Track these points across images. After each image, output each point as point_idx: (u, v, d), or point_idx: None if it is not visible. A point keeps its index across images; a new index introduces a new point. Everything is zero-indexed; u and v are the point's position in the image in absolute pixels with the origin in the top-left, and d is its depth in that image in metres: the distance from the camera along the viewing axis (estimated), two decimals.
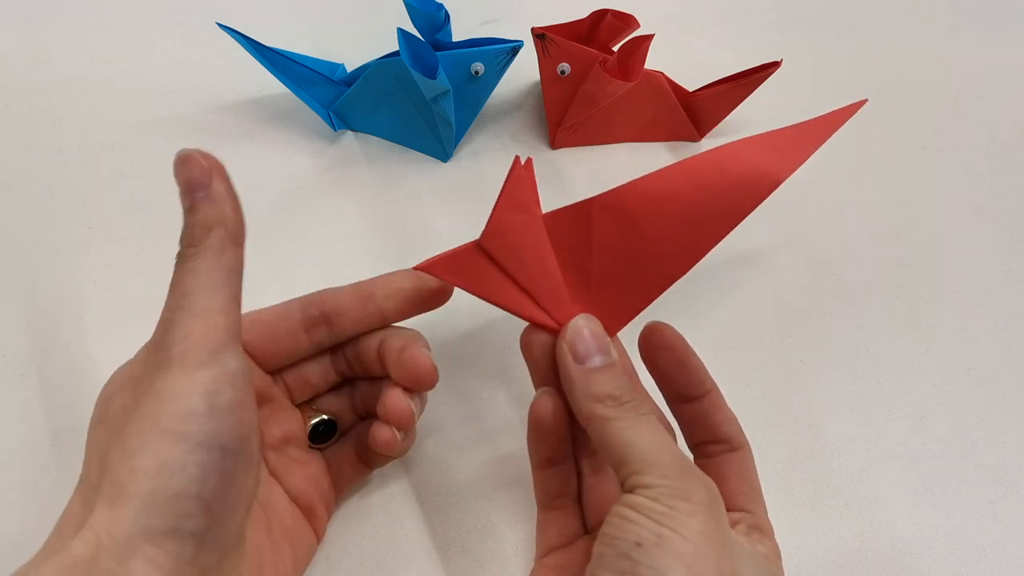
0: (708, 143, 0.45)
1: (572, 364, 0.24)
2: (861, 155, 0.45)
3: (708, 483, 0.22)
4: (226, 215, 0.22)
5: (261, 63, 0.40)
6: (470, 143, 0.44)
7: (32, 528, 0.26)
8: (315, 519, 0.27)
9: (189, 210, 0.23)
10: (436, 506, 0.30)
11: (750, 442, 0.30)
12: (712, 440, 0.26)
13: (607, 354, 0.24)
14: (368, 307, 0.27)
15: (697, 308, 0.36)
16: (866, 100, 0.25)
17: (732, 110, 0.42)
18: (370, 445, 0.26)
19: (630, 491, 0.21)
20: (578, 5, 0.41)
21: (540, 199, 0.25)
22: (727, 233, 0.25)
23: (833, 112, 0.25)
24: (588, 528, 0.27)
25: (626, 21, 0.40)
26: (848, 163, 0.44)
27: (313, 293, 0.27)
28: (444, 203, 0.40)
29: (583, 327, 0.24)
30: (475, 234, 0.25)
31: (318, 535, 0.27)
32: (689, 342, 0.26)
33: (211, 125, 0.44)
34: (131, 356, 0.23)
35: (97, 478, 0.20)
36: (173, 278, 0.22)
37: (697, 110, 0.43)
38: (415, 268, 0.24)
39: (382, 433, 0.26)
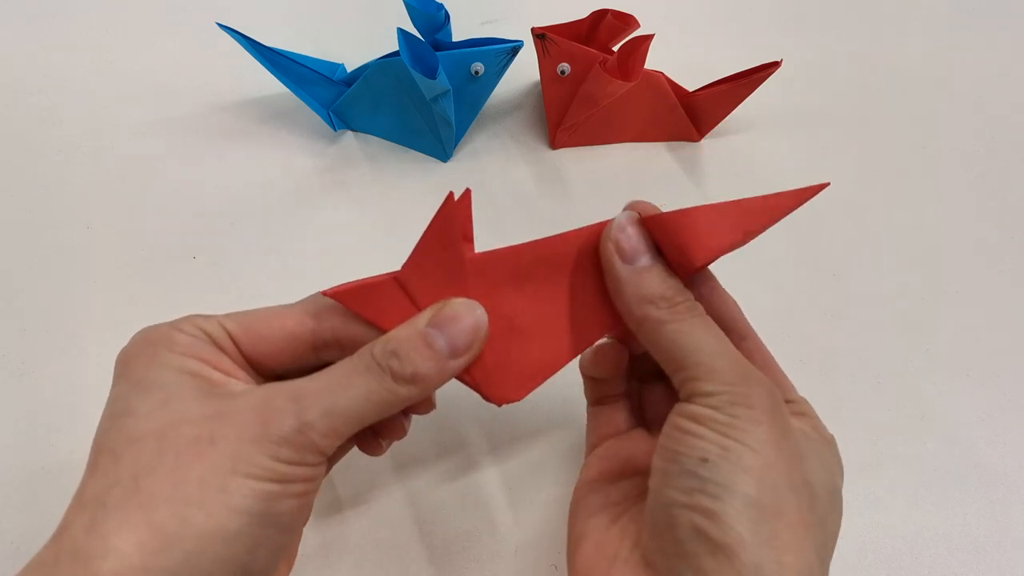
0: (708, 143, 0.45)
1: (620, 265, 0.22)
2: (861, 155, 0.45)
3: (769, 386, 0.20)
4: None
5: (261, 63, 0.40)
6: (470, 143, 0.44)
7: (31, 529, 0.26)
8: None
9: None
10: (435, 505, 0.30)
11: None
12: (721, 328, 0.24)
13: (653, 255, 0.22)
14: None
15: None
16: (827, 184, 0.23)
17: (732, 110, 0.42)
18: (359, 446, 0.26)
19: (688, 399, 0.20)
20: (578, 5, 0.42)
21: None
22: None
23: (789, 192, 0.23)
24: (647, 423, 0.26)
25: (626, 21, 0.40)
26: (848, 163, 0.44)
27: (327, 310, 0.23)
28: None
29: (627, 224, 0.22)
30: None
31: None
32: None
33: (211, 125, 0.44)
34: None
35: (118, 480, 0.18)
36: None
37: (697, 110, 0.43)
38: (322, 293, 0.22)
39: (373, 448, 0.26)
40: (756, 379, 0.20)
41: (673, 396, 0.23)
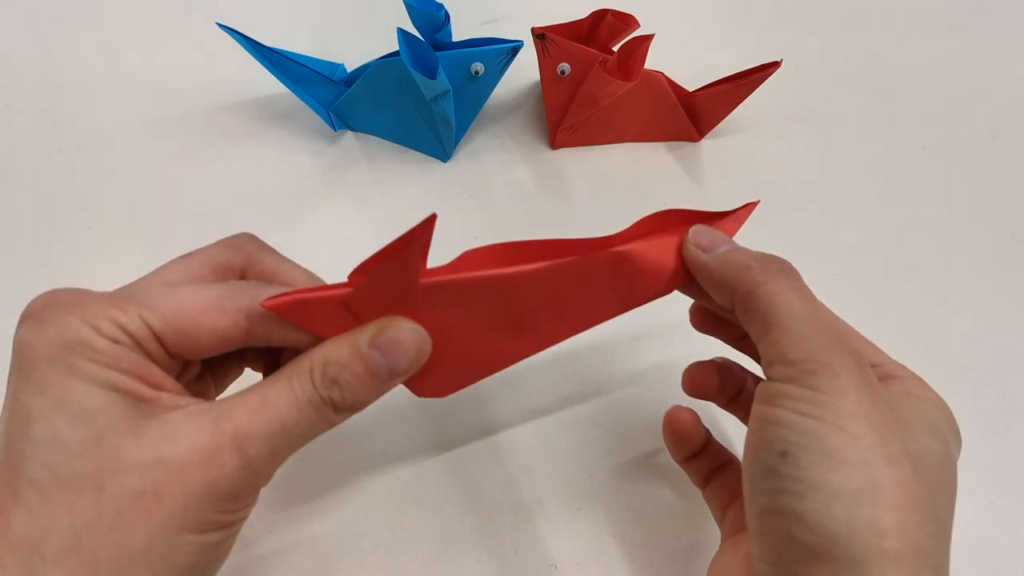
0: (708, 143, 0.45)
1: (704, 256, 0.22)
2: (861, 155, 0.45)
3: (856, 352, 0.19)
4: None
5: (261, 63, 0.40)
6: (470, 143, 0.44)
7: None
8: None
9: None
10: (435, 505, 0.30)
11: None
12: None
13: (734, 243, 0.23)
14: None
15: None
16: (759, 201, 0.25)
17: (732, 110, 0.42)
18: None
19: (770, 366, 0.19)
20: (578, 5, 0.41)
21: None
22: (599, 324, 0.24)
23: (730, 218, 0.25)
24: None
25: (626, 21, 0.40)
26: (848, 163, 0.44)
27: (262, 313, 0.21)
28: (444, 203, 0.40)
29: (701, 229, 0.23)
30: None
31: None
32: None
33: (211, 125, 0.44)
34: None
35: (52, 528, 0.17)
36: None
37: (697, 110, 0.43)
38: (262, 304, 0.20)
39: None
40: (843, 345, 0.19)
41: None
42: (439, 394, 0.24)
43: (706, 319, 0.27)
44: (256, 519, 0.29)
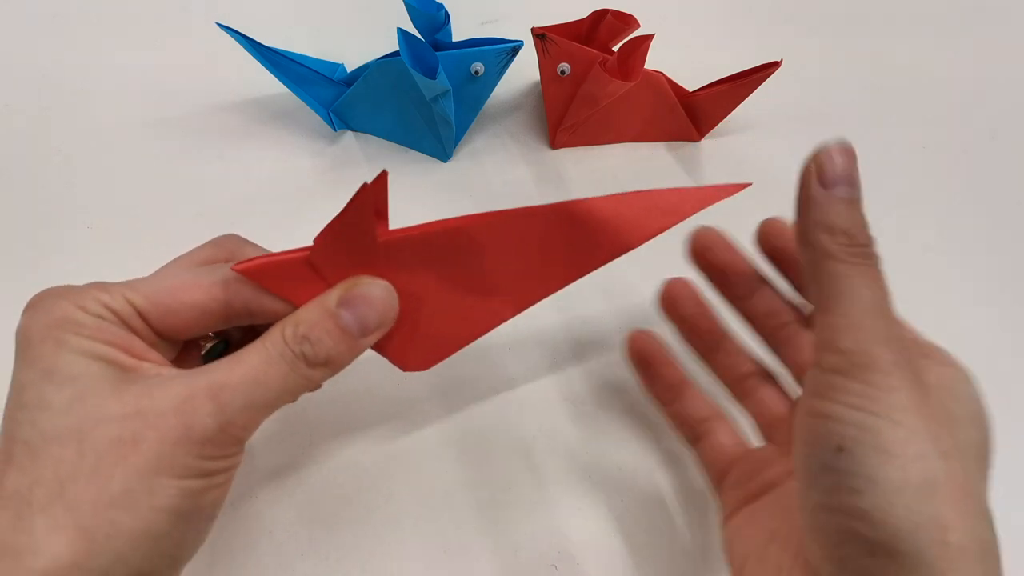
0: (708, 143, 0.45)
1: (815, 185, 0.20)
2: (861, 155, 0.45)
3: (904, 345, 0.19)
4: None
5: (261, 63, 0.40)
6: (470, 143, 0.44)
7: None
8: None
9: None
10: (435, 505, 0.30)
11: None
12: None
13: (854, 188, 0.20)
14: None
15: None
16: (750, 183, 0.24)
17: (732, 110, 0.42)
18: None
19: (822, 352, 0.19)
20: (578, 5, 0.41)
21: (394, 216, 0.24)
22: (566, 285, 0.25)
23: (712, 187, 0.24)
24: (764, 432, 0.26)
25: (626, 21, 0.40)
26: None
27: (238, 281, 0.22)
28: (444, 203, 0.40)
29: (836, 153, 0.20)
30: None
31: None
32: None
33: (211, 125, 0.44)
34: None
35: (40, 479, 0.18)
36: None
37: (697, 110, 0.43)
38: (232, 268, 0.22)
39: None
40: (897, 339, 0.19)
41: (785, 400, 0.24)
42: (422, 366, 0.25)
43: (708, 263, 0.26)
44: (251, 529, 0.29)
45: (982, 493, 0.19)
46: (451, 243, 0.23)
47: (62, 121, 0.43)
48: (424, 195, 0.41)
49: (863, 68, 0.51)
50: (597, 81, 0.38)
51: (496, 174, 0.42)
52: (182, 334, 0.22)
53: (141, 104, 0.44)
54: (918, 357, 0.21)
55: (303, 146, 0.43)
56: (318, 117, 0.43)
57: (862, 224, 0.20)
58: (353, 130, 0.44)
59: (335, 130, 0.44)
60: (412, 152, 0.43)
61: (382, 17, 0.45)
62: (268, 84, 0.42)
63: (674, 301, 0.27)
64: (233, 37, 0.38)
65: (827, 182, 0.20)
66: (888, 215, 0.42)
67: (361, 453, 0.31)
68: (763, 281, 0.27)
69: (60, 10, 0.49)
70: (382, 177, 0.22)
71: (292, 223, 0.40)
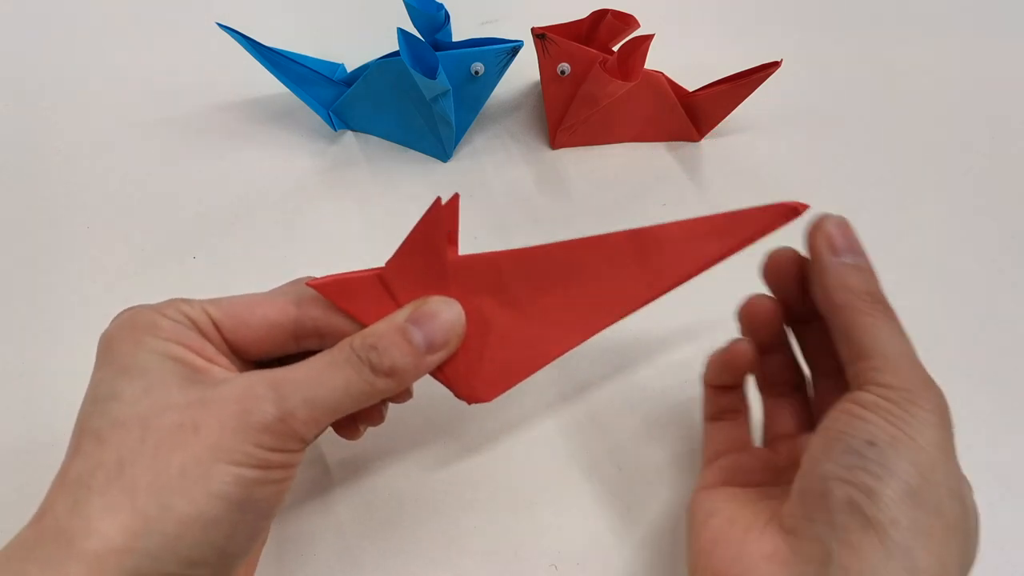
0: (708, 143, 0.45)
1: (828, 255, 0.23)
2: (861, 155, 0.45)
3: (943, 399, 0.21)
4: None
5: (261, 63, 0.40)
6: (470, 143, 0.44)
7: (13, 508, 0.26)
8: None
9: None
10: (435, 503, 0.30)
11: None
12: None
13: (862, 256, 0.23)
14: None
15: (697, 307, 0.36)
16: (808, 206, 0.24)
17: (732, 110, 0.42)
18: (336, 431, 0.27)
19: (863, 387, 0.21)
20: (578, 5, 0.42)
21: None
22: (631, 312, 0.24)
23: (763, 209, 0.24)
24: (769, 442, 0.27)
25: (626, 21, 0.40)
26: (848, 163, 0.44)
27: (310, 300, 0.24)
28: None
29: (839, 223, 0.23)
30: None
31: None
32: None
33: (211, 125, 0.44)
34: None
35: (102, 463, 0.19)
36: None
37: (697, 110, 0.43)
38: (307, 283, 0.23)
39: (351, 432, 0.27)
40: (933, 386, 0.21)
41: (803, 413, 0.25)
42: (487, 396, 0.25)
43: (784, 276, 0.26)
44: None
45: (968, 557, 0.20)
46: (520, 269, 0.24)
47: (62, 121, 0.43)
48: (424, 195, 0.41)
49: (863, 68, 0.51)
50: (597, 81, 0.38)
51: (496, 174, 0.42)
52: (253, 349, 0.23)
53: (141, 104, 0.45)
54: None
55: (303, 146, 0.43)
56: (318, 117, 0.43)
57: (878, 286, 0.23)
58: (353, 130, 0.44)
59: (335, 130, 0.44)
60: (412, 152, 0.43)
61: (382, 17, 0.45)
62: (268, 84, 0.42)
63: (754, 316, 0.27)
64: (233, 37, 0.38)
65: (838, 251, 0.23)
66: (888, 215, 0.42)
67: (361, 454, 0.31)
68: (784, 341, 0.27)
69: (60, 10, 0.49)
70: (454, 200, 0.23)
71: (292, 223, 0.40)
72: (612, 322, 0.25)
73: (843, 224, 0.23)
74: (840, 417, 0.21)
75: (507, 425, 0.32)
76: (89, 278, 0.36)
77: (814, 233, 0.23)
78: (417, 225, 0.23)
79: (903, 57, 0.52)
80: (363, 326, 0.23)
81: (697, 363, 0.29)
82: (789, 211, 0.23)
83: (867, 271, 0.23)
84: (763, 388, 0.28)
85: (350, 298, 0.23)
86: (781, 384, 0.27)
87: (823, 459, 0.20)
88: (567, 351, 0.25)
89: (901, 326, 0.22)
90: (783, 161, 0.44)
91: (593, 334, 0.25)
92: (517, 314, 0.24)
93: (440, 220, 0.22)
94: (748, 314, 0.26)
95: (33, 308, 0.35)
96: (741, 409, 0.28)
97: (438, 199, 0.22)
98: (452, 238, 0.24)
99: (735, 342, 0.26)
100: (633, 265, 0.24)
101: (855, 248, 0.23)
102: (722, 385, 0.27)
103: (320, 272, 0.24)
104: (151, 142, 0.43)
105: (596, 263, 0.24)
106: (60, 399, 0.32)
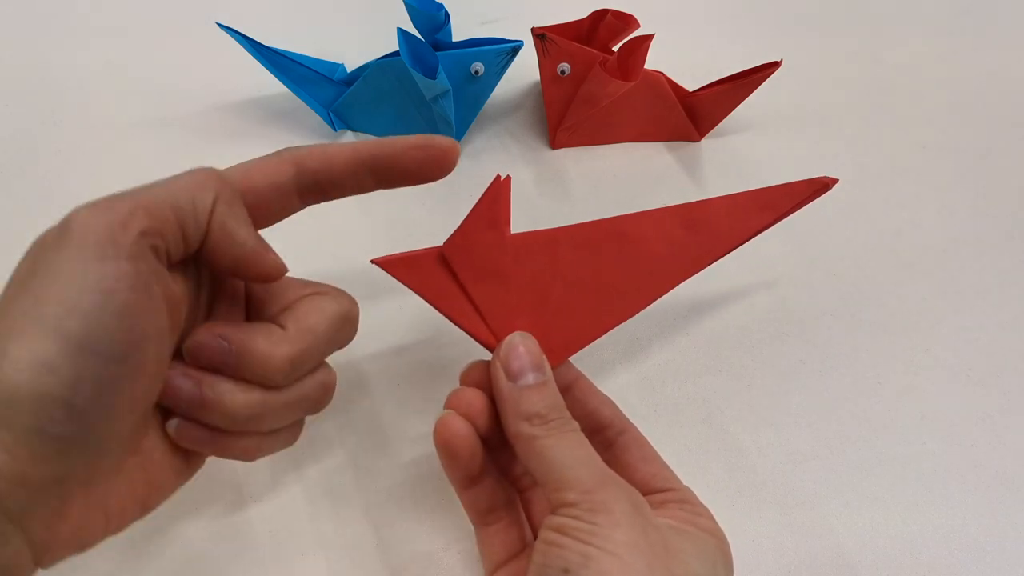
0: (708, 143, 0.45)
1: (504, 382, 0.23)
2: (861, 155, 0.45)
3: (628, 489, 0.22)
4: None
5: (261, 63, 0.40)
6: (470, 143, 0.44)
7: None
8: None
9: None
10: (435, 506, 0.30)
11: (750, 443, 0.30)
12: (597, 428, 0.26)
13: (540, 371, 0.24)
14: (363, 181, 0.25)
15: (698, 307, 0.36)
16: (837, 180, 0.27)
17: (732, 110, 0.42)
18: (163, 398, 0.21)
19: (555, 511, 0.21)
20: (578, 5, 0.42)
21: (512, 214, 0.26)
22: (681, 282, 0.26)
23: (799, 184, 0.27)
24: (535, 538, 0.25)
25: (626, 21, 0.40)
26: (848, 163, 0.44)
27: (303, 150, 0.24)
28: (444, 203, 0.40)
29: (518, 343, 0.24)
30: None
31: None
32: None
33: (211, 125, 0.44)
34: None
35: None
36: None
37: (697, 110, 0.43)
38: (372, 261, 0.25)
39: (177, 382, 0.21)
40: (614, 483, 0.22)
41: (520, 531, 0.25)
42: (551, 363, 0.25)
43: None
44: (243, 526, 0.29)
45: None
46: (576, 243, 0.25)
47: (62, 121, 0.43)
48: (424, 194, 0.41)
49: (863, 68, 0.51)
50: (597, 81, 0.38)
51: (496, 174, 0.42)
52: (259, 212, 0.24)
53: (141, 104, 0.45)
54: (663, 504, 0.24)
55: None
56: (318, 117, 0.43)
57: (552, 401, 0.23)
58: (353, 130, 0.44)
59: (335, 130, 0.44)
60: None
61: (382, 17, 0.45)
62: (268, 84, 0.42)
63: (452, 448, 0.25)
64: (233, 37, 0.38)
65: (514, 375, 0.23)
66: (888, 215, 0.42)
67: (355, 447, 0.31)
68: None
69: (60, 10, 0.49)
70: (507, 181, 0.24)
71: (292, 223, 0.40)
72: (663, 293, 0.26)
73: (518, 343, 0.24)
74: (539, 548, 0.21)
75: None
76: None
77: (493, 361, 0.24)
78: (478, 203, 0.24)
79: (903, 57, 0.52)
80: (424, 299, 0.25)
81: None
82: (822, 185, 0.26)
83: (543, 388, 0.23)
84: (476, 521, 0.26)
85: (412, 274, 0.25)
86: (499, 509, 0.26)
87: None
88: (622, 322, 0.26)
89: (577, 436, 0.23)
90: (783, 161, 0.44)
91: (647, 305, 0.26)
92: (573, 287, 0.25)
93: (500, 198, 0.24)
94: (446, 445, 0.24)
95: None
96: (502, 505, 0.26)
97: (498, 176, 0.24)
98: (506, 219, 0.25)
99: (439, 422, 0.24)
100: (683, 238, 0.26)
101: (533, 364, 0.24)
102: (467, 478, 0.25)
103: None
104: (151, 142, 0.43)
105: (648, 237, 0.26)
106: None
